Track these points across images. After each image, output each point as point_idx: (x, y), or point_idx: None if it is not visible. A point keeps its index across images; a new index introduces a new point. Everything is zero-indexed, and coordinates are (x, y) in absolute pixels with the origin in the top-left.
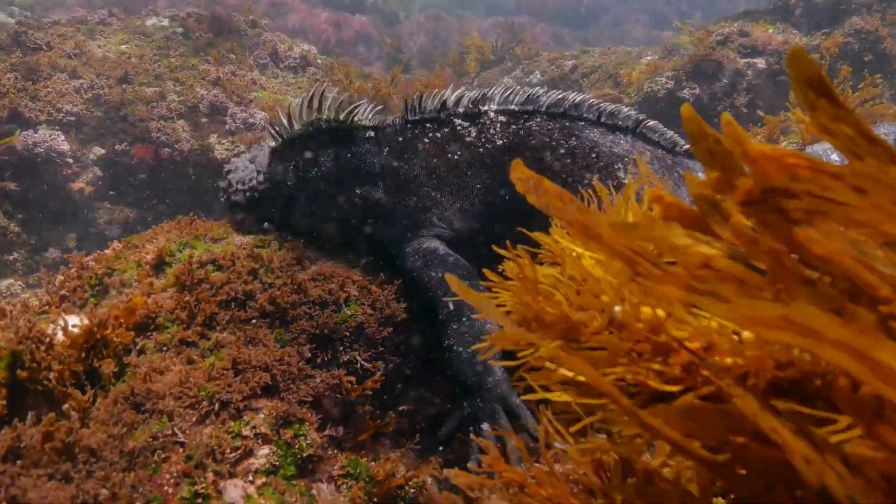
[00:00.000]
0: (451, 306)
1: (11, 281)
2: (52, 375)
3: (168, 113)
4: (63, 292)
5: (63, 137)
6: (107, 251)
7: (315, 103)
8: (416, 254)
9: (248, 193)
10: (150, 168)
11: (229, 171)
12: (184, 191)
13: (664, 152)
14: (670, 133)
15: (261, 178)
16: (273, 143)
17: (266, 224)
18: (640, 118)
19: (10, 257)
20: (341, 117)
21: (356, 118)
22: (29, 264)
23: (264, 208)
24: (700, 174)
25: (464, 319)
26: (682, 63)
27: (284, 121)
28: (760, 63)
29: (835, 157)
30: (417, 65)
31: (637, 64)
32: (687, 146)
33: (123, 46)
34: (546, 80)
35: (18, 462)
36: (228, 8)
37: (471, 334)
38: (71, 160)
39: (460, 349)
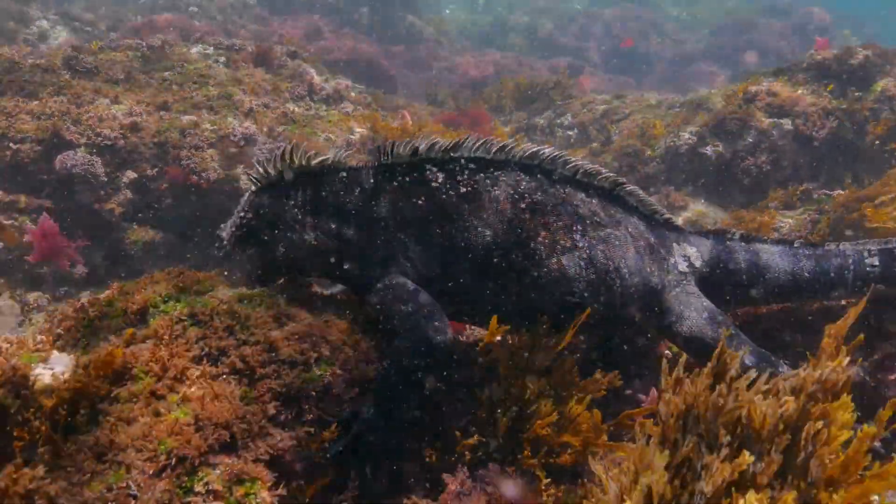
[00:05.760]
0: (409, 342)
1: (39, 294)
2: (31, 420)
3: (200, 142)
4: (59, 331)
5: (100, 161)
6: (103, 294)
7: (288, 157)
8: (387, 289)
9: (233, 230)
10: (176, 194)
11: (221, 230)
12: (207, 217)
13: (639, 219)
14: (651, 200)
15: (241, 214)
16: (253, 186)
17: (252, 267)
18: (619, 181)
19: (41, 271)
20: (313, 163)
21: (328, 163)
22: (57, 278)
23: (247, 243)
24: (677, 246)
25: (415, 361)
26: (707, 119)
27: (260, 169)
28: (787, 124)
29: (871, 260)
30: (461, 101)
31: (665, 116)
32: (667, 216)
33: (166, 73)
34: (576, 122)
35: None
36: (272, 40)
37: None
38: (105, 181)
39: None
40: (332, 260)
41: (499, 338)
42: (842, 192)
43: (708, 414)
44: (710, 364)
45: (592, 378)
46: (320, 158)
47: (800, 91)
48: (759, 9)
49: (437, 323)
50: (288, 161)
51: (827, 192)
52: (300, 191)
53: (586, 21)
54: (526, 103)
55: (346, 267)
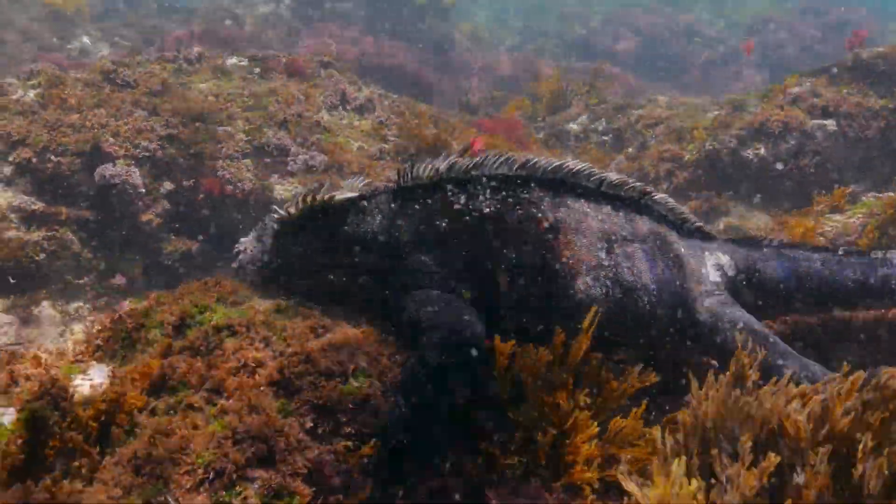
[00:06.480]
0: (438, 337)
1: (80, 304)
2: (68, 434)
3: (235, 153)
4: (97, 342)
5: (137, 172)
6: (140, 305)
7: (310, 200)
8: (413, 300)
9: (258, 274)
10: (212, 204)
11: (239, 252)
12: (243, 227)
13: (669, 229)
14: (681, 208)
15: (266, 258)
16: (276, 226)
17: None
18: (646, 190)
19: (81, 281)
20: (335, 201)
21: (344, 194)
22: (97, 289)
23: (274, 281)
24: (709, 254)
25: (444, 356)
26: (747, 121)
27: (282, 212)
28: (831, 125)
29: None
30: (494, 105)
31: (703, 119)
32: (698, 224)
33: (203, 85)
34: (611, 127)
35: None
36: (305, 50)
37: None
38: (143, 191)
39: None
40: (359, 292)
41: (509, 350)
42: (891, 194)
43: (729, 422)
44: (728, 372)
45: (624, 376)
46: (341, 197)
47: (844, 91)
48: (795, 9)
49: (466, 317)
50: (310, 202)
51: (876, 194)
52: (322, 226)
53: (618, 25)
54: (559, 109)
55: (372, 296)
